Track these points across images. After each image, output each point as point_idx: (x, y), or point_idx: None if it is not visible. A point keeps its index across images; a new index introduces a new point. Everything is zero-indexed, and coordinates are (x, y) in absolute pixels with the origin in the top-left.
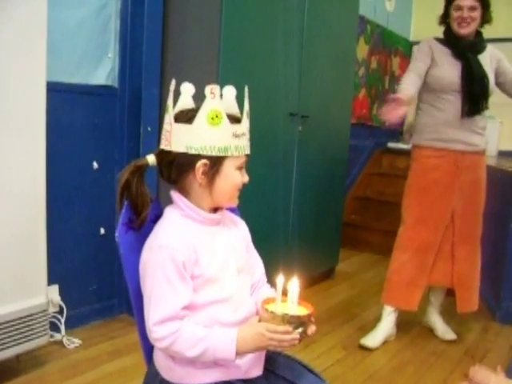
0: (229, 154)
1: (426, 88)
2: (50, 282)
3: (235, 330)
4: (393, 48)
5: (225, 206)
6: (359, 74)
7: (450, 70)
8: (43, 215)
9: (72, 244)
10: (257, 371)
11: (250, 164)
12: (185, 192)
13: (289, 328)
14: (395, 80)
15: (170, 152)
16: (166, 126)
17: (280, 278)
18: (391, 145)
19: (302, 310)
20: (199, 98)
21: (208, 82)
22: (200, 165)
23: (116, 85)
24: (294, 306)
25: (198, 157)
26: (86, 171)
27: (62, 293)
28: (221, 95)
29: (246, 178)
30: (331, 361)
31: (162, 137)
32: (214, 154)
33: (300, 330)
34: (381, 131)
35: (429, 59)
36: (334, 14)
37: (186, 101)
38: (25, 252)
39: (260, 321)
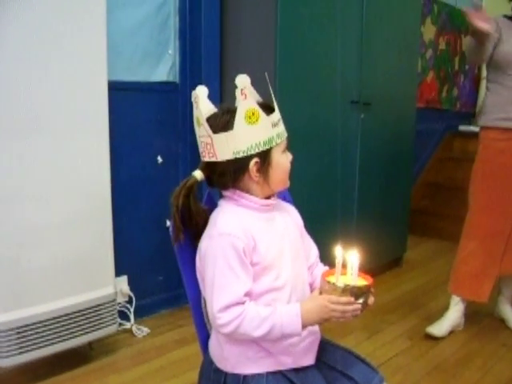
0: (273, 144)
1: (493, 66)
2: (120, 273)
3: (298, 304)
4: (462, 27)
5: (280, 189)
6: (426, 57)
7: None
8: (109, 211)
9: (139, 237)
10: (309, 360)
11: (311, 154)
12: (242, 192)
13: (351, 298)
14: (465, 60)
15: (217, 163)
16: (203, 139)
17: (339, 251)
18: (463, 128)
19: (361, 281)
20: (260, 91)
21: (267, 73)
22: (253, 164)
23: (177, 80)
24: (354, 277)
25: (249, 158)
26: (150, 166)
27: (130, 283)
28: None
29: (290, 157)
30: (395, 351)
31: (203, 150)
32: (261, 149)
33: (361, 300)
34: (451, 114)
35: (496, 34)
36: None
37: (207, 105)
38: (93, 247)
39: (321, 293)
